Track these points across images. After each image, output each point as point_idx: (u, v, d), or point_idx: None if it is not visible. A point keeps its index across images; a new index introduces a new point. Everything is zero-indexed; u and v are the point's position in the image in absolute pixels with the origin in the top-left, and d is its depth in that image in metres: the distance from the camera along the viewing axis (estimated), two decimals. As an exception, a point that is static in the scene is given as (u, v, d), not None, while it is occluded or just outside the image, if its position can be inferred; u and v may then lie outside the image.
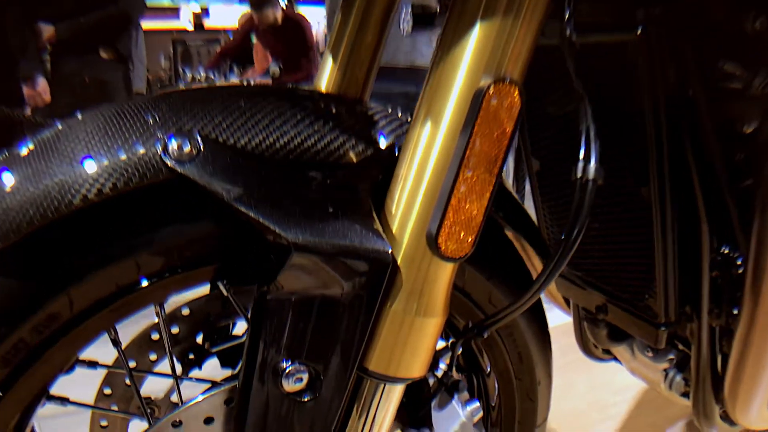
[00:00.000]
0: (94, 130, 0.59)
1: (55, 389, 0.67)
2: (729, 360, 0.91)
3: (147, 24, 3.92)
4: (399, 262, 0.58)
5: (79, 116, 0.62)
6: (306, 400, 0.61)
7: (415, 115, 0.59)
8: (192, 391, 0.68)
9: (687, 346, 1.01)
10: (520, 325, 0.83)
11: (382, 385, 0.62)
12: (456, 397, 0.74)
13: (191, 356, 0.82)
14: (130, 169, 0.55)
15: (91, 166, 0.55)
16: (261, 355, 0.59)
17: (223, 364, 0.82)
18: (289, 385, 0.60)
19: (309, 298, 0.58)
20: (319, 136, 0.61)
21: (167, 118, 0.58)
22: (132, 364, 0.81)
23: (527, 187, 1.12)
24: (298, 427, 0.62)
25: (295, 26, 4.61)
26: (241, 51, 5.24)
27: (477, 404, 0.74)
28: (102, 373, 0.82)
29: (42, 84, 2.88)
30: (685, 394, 1.06)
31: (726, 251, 0.86)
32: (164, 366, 0.78)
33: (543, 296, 0.89)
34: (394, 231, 0.58)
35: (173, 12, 9.70)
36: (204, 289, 0.77)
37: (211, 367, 0.80)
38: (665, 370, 1.07)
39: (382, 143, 0.64)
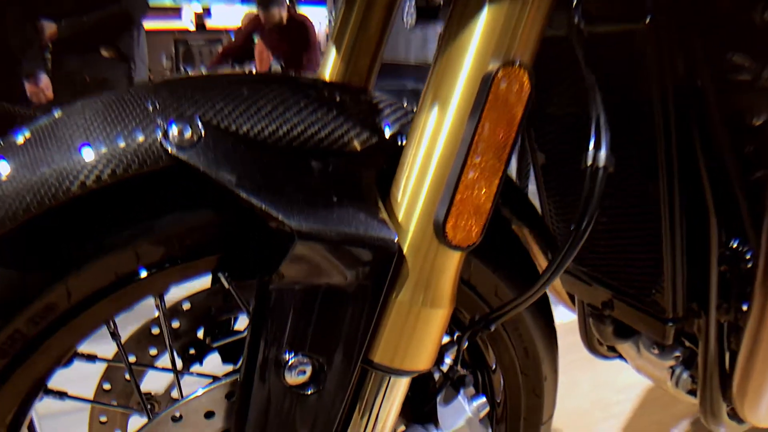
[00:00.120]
0: (93, 116, 0.58)
1: (54, 384, 0.66)
2: (737, 357, 0.90)
3: (149, 24, 3.92)
4: (405, 251, 0.56)
5: (78, 104, 0.61)
6: (309, 393, 0.60)
7: (422, 100, 0.58)
8: (193, 387, 0.67)
9: (694, 342, 1.00)
10: (526, 320, 0.82)
11: (387, 378, 0.61)
12: (462, 392, 0.72)
13: (192, 351, 0.81)
14: (130, 155, 0.53)
15: (89, 153, 0.54)
16: (263, 347, 0.58)
17: (225, 360, 0.81)
18: (292, 378, 0.58)
19: (312, 288, 0.56)
20: (322, 124, 0.60)
21: (168, 104, 0.57)
22: (132, 358, 0.80)
23: (530, 182, 1.11)
24: (300, 421, 0.60)
25: (300, 26, 4.67)
26: (243, 51, 5.26)
27: (483, 399, 0.72)
28: (101, 369, 0.81)
29: (44, 81, 2.88)
30: (692, 392, 1.05)
31: (735, 245, 0.85)
32: (164, 361, 0.77)
33: (547, 293, 0.88)
34: (400, 219, 0.57)
35: (175, 12, 9.70)
36: (205, 283, 0.76)
37: (213, 366, 0.79)
38: (671, 367, 1.05)
39: (387, 132, 0.63)
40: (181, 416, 0.64)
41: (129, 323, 0.79)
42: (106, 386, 0.82)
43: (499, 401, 0.87)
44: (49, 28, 2.89)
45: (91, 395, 0.81)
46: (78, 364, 0.69)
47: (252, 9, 5.61)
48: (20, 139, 0.57)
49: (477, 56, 0.54)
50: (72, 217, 0.55)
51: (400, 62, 3.01)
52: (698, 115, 0.79)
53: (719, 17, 0.76)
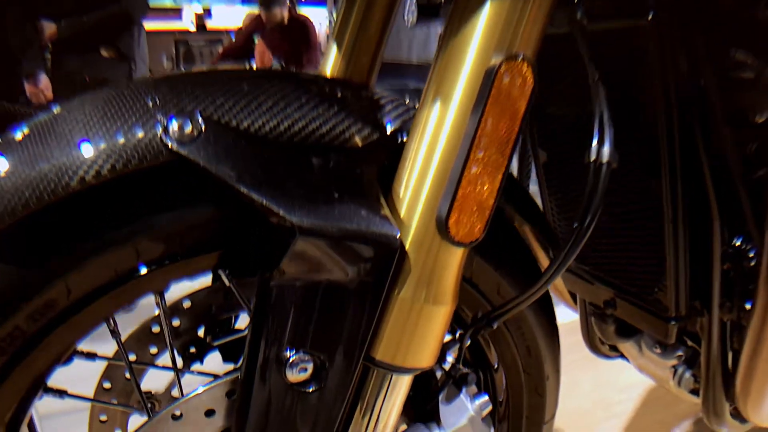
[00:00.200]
0: (92, 112, 0.57)
1: (53, 383, 0.66)
2: (740, 356, 0.90)
3: (149, 24, 3.92)
4: (407, 247, 0.56)
5: (77, 99, 0.60)
6: (310, 390, 0.59)
7: (424, 95, 0.57)
8: (193, 386, 0.66)
9: (696, 341, 0.99)
10: (528, 319, 0.82)
11: (390, 376, 0.60)
12: (464, 390, 0.72)
13: (192, 350, 0.80)
14: (130, 150, 0.53)
15: (89, 148, 0.53)
16: (264, 344, 0.57)
17: (225, 359, 0.80)
18: (293, 376, 0.58)
19: (314, 284, 0.56)
20: (323, 120, 0.59)
21: (168, 99, 0.57)
22: (132, 357, 0.79)
23: (531, 180, 1.11)
24: (302, 419, 0.60)
25: (301, 26, 4.70)
26: (244, 51, 5.26)
27: (486, 398, 0.72)
28: (100, 369, 0.81)
29: (44, 81, 2.88)
30: (695, 391, 1.04)
31: (738, 243, 0.84)
32: (164, 360, 0.76)
33: (549, 292, 0.88)
34: (402, 215, 0.56)
35: (175, 13, 9.70)
36: (206, 281, 0.75)
37: (213, 365, 0.79)
38: (674, 366, 1.05)
39: (389, 128, 0.62)
40: (181, 414, 0.63)
41: (129, 322, 0.78)
42: (107, 385, 0.81)
43: (501, 400, 0.87)
44: (49, 28, 2.89)
45: (91, 395, 0.80)
46: (78, 365, 0.69)
47: (253, 9, 5.62)
48: (19, 136, 0.57)
49: (480, 50, 0.54)
50: (71, 213, 0.54)
51: (402, 62, 3.00)
52: (701, 113, 0.79)
53: (722, 14, 0.76)
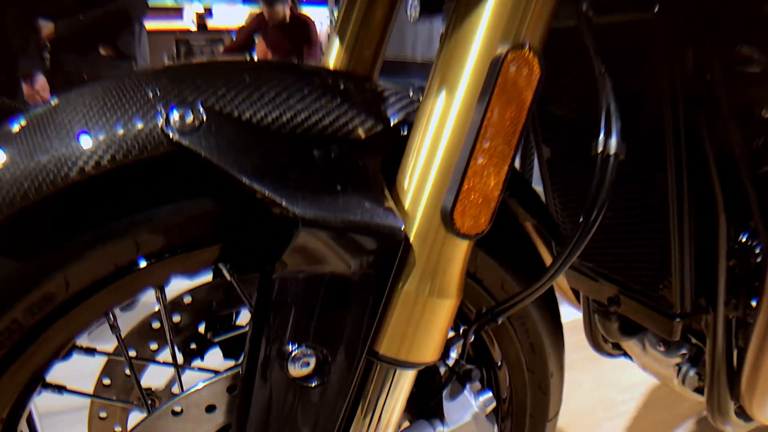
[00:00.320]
0: (92, 102, 0.56)
1: (53, 380, 0.65)
2: (746, 354, 0.89)
3: (150, 24, 3.92)
4: (412, 239, 0.55)
5: (77, 91, 0.59)
6: (313, 385, 0.58)
7: (429, 85, 0.57)
8: (193, 383, 0.65)
9: (701, 339, 0.98)
10: (532, 315, 0.81)
11: (393, 370, 0.59)
12: (468, 386, 0.71)
13: (193, 346, 0.79)
14: (130, 140, 0.52)
15: (89, 139, 0.52)
16: (266, 338, 0.56)
17: (226, 355, 0.80)
18: (296, 370, 0.57)
19: (316, 277, 0.55)
20: (326, 111, 0.59)
21: (169, 90, 0.56)
22: (132, 353, 0.79)
23: (534, 176, 1.10)
24: (303, 415, 0.59)
25: (303, 25, 4.75)
26: (245, 51, 5.26)
27: (490, 394, 0.71)
28: (100, 365, 0.80)
29: (41, 82, 2.87)
30: (699, 390, 1.03)
31: (744, 239, 0.84)
32: (165, 356, 0.75)
33: (553, 288, 0.87)
34: (406, 207, 0.56)
35: (176, 12, 9.69)
36: (207, 277, 0.75)
37: (214, 363, 0.78)
38: (678, 364, 1.04)
39: (392, 120, 0.61)
40: (181, 410, 0.63)
41: (129, 319, 0.78)
42: (106, 381, 0.80)
43: (504, 398, 0.86)
44: (47, 27, 2.88)
45: (90, 391, 0.79)
46: (78, 362, 0.68)
47: (255, 9, 5.63)
48: (16, 128, 0.56)
49: (485, 39, 0.53)
50: (71, 205, 0.54)
51: (406, 60, 2.99)
52: (707, 107, 0.78)
53: (728, 8, 0.75)
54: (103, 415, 0.82)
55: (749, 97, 0.77)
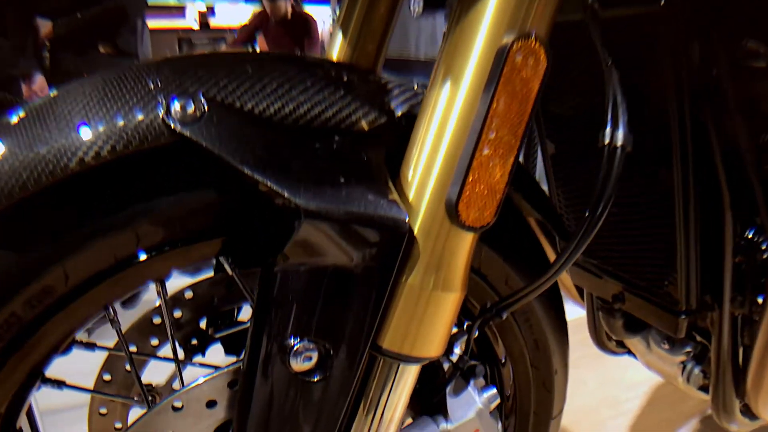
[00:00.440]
0: (92, 93, 0.55)
1: (52, 375, 0.64)
2: (751, 351, 0.88)
3: (153, 22, 3.92)
4: (416, 231, 0.54)
5: (77, 82, 0.59)
6: (315, 380, 0.57)
7: (434, 75, 0.56)
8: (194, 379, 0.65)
9: (706, 337, 0.98)
10: (537, 312, 0.80)
11: (397, 365, 0.58)
12: (472, 383, 0.70)
13: (194, 342, 0.78)
14: (130, 131, 0.51)
15: (88, 130, 0.52)
16: (267, 332, 0.56)
17: (227, 351, 0.79)
18: (298, 364, 0.56)
19: (319, 270, 0.54)
20: (329, 103, 0.58)
21: (170, 80, 0.55)
22: (132, 348, 0.78)
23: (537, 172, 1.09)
24: (305, 410, 0.58)
25: (304, 22, 4.82)
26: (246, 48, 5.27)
27: (494, 390, 0.70)
28: (100, 363, 0.79)
29: (39, 82, 2.86)
30: (704, 388, 1.03)
31: (750, 235, 0.83)
32: (165, 352, 0.75)
33: (558, 286, 0.86)
34: (410, 199, 0.55)
35: (179, 11, 9.68)
36: (208, 273, 0.74)
37: (216, 359, 0.77)
38: (683, 362, 1.04)
39: (396, 112, 0.61)
40: (182, 405, 0.62)
41: (130, 314, 0.77)
42: (107, 377, 0.80)
43: (508, 395, 0.85)
44: (45, 26, 2.88)
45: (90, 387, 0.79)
46: (78, 359, 0.67)
47: (257, 7, 5.65)
48: (14, 119, 0.55)
49: (491, 29, 0.52)
50: (70, 196, 0.53)
51: (409, 58, 2.98)
52: (713, 102, 0.78)
53: (734, 2, 0.74)
54: (103, 411, 0.81)
55: (756, 92, 0.76)
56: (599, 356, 1.19)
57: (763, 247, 0.82)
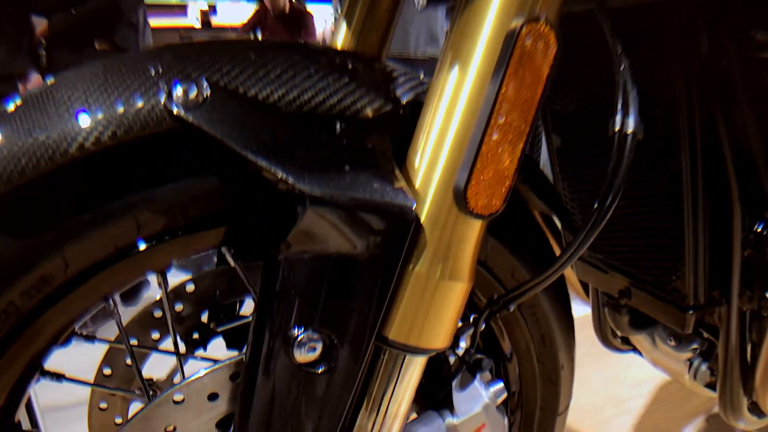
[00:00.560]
0: (92, 79, 0.54)
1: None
2: (760, 347, 0.87)
3: (154, 21, 3.90)
4: (423, 219, 0.53)
5: (77, 69, 0.58)
6: (319, 372, 0.56)
7: (441, 60, 0.55)
8: (196, 373, 0.64)
9: (713, 333, 0.97)
10: (543, 306, 0.79)
11: (403, 356, 0.57)
12: (478, 376, 0.69)
13: (195, 336, 0.77)
14: (131, 116, 0.50)
15: (89, 115, 0.51)
16: (270, 322, 0.54)
17: (229, 345, 0.78)
18: (302, 356, 0.55)
19: (323, 258, 0.53)
20: (333, 90, 0.57)
21: (172, 66, 0.54)
22: (133, 342, 0.77)
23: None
24: (309, 402, 0.57)
25: (301, 17, 5.02)
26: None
27: (501, 384, 0.69)
28: (100, 357, 0.78)
29: (35, 81, 2.86)
30: (711, 385, 1.02)
31: (759, 229, 0.82)
32: (167, 346, 0.74)
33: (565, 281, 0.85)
34: (417, 186, 0.53)
35: (181, 9, 9.68)
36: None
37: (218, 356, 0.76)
38: (689, 359, 1.02)
39: (402, 99, 0.60)
40: (183, 398, 0.61)
41: (130, 310, 0.76)
42: (107, 371, 0.79)
43: (514, 390, 0.84)
44: (41, 24, 2.87)
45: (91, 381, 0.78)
46: (78, 354, 0.66)
47: (257, 5, 5.70)
48: (11, 107, 0.54)
49: (499, 12, 0.51)
50: (70, 182, 0.52)
51: (410, 57, 2.98)
52: (722, 93, 0.77)
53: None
54: (103, 405, 0.80)
55: (765, 84, 0.75)
56: (603, 354, 1.18)
57: (773, 241, 0.81)
